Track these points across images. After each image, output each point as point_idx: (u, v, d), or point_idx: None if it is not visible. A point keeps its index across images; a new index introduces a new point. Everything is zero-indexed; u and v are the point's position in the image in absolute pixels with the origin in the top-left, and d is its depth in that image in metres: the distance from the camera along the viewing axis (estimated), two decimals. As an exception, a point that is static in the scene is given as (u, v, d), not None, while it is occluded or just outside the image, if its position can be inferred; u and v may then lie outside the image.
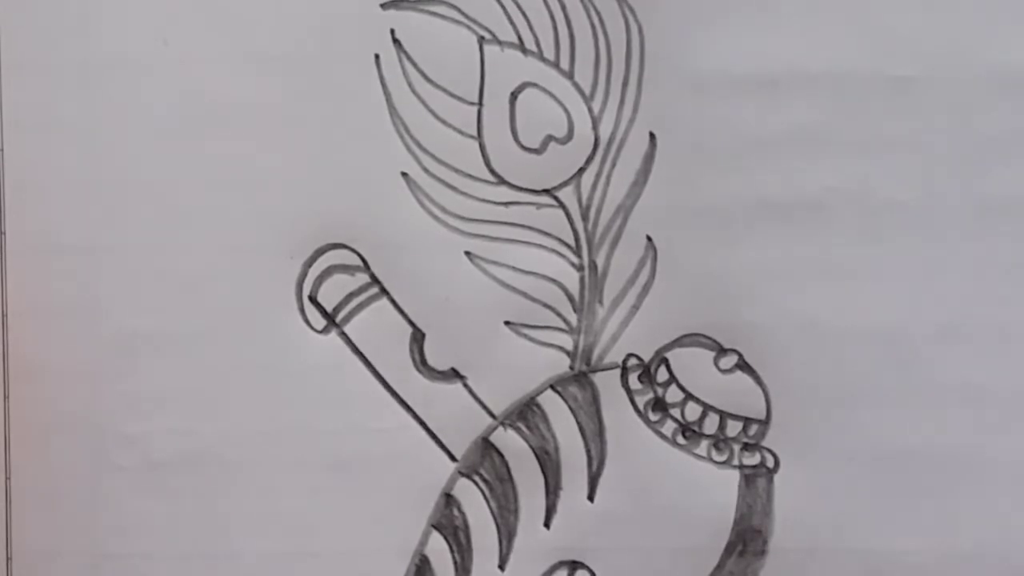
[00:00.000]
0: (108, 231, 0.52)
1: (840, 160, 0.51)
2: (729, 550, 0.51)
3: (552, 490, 0.52)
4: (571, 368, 0.52)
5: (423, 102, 0.51)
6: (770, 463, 0.51)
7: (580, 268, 0.52)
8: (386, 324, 0.52)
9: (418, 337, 0.52)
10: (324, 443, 0.52)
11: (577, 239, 0.52)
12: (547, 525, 0.52)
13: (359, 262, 0.52)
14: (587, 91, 0.51)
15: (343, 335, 0.52)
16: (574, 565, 0.52)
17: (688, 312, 0.51)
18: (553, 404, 0.52)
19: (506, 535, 0.52)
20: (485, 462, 0.52)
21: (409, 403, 0.52)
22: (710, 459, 0.51)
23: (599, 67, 0.51)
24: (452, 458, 0.52)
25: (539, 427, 0.52)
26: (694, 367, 0.51)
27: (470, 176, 0.51)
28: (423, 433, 0.52)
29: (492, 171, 0.51)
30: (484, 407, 0.52)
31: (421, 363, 0.52)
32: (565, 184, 0.51)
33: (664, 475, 0.51)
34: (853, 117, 0.51)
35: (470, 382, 0.52)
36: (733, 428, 0.51)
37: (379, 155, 0.51)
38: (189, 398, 0.52)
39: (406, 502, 0.52)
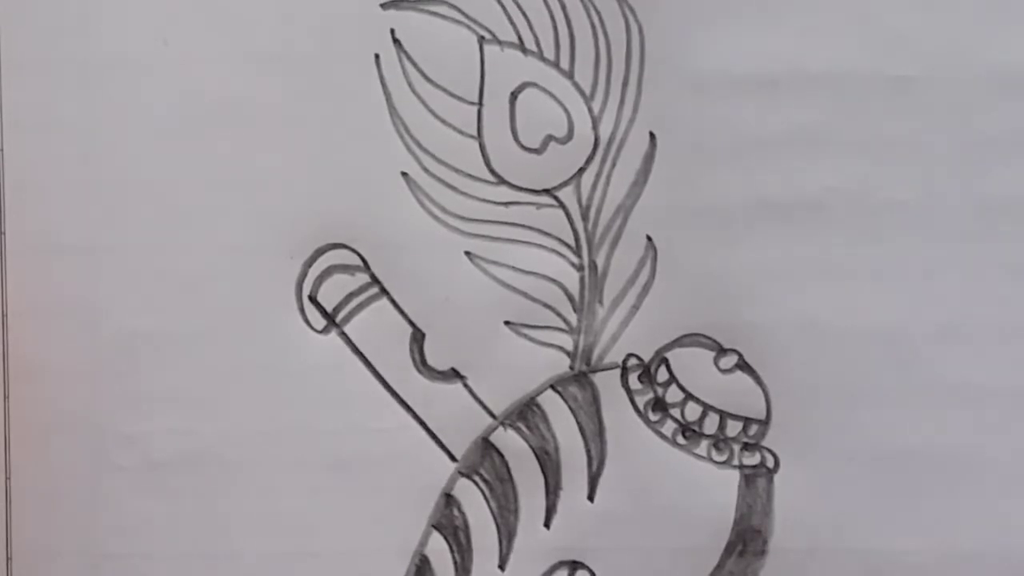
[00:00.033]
0: (108, 231, 0.52)
1: (840, 160, 0.51)
2: (729, 550, 0.51)
3: (552, 490, 0.52)
4: (571, 368, 0.52)
5: (423, 102, 0.51)
6: (770, 463, 0.51)
7: (580, 268, 0.52)
8: (386, 324, 0.52)
9: (418, 337, 0.52)
10: (324, 443, 0.52)
11: (577, 239, 0.52)
12: (547, 525, 0.52)
13: (359, 262, 0.52)
14: (587, 91, 0.51)
15: (343, 335, 0.52)
16: (574, 565, 0.52)
17: (688, 312, 0.51)
18: (553, 404, 0.52)
19: (506, 535, 0.52)
20: (485, 462, 0.52)
21: (409, 403, 0.52)
22: (710, 459, 0.51)
23: (599, 67, 0.51)
24: (452, 458, 0.52)
25: (539, 427, 0.52)
26: (694, 367, 0.51)
27: (470, 176, 0.51)
28: (423, 433, 0.52)
29: (492, 171, 0.51)
30: (484, 407, 0.52)
31: (421, 363, 0.52)
32: (565, 184, 0.51)
33: (664, 475, 0.51)
34: (853, 117, 0.51)
35: (470, 382, 0.52)
36: (733, 428, 0.51)
37: (379, 155, 0.51)
38: (189, 398, 0.52)
39: (406, 502, 0.52)
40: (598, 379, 0.52)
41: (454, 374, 0.52)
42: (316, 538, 0.52)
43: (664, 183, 0.51)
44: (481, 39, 0.51)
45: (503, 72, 0.51)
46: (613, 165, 0.51)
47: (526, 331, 0.52)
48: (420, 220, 0.51)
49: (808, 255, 0.51)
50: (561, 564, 0.52)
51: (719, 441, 0.51)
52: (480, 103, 0.51)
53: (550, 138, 0.51)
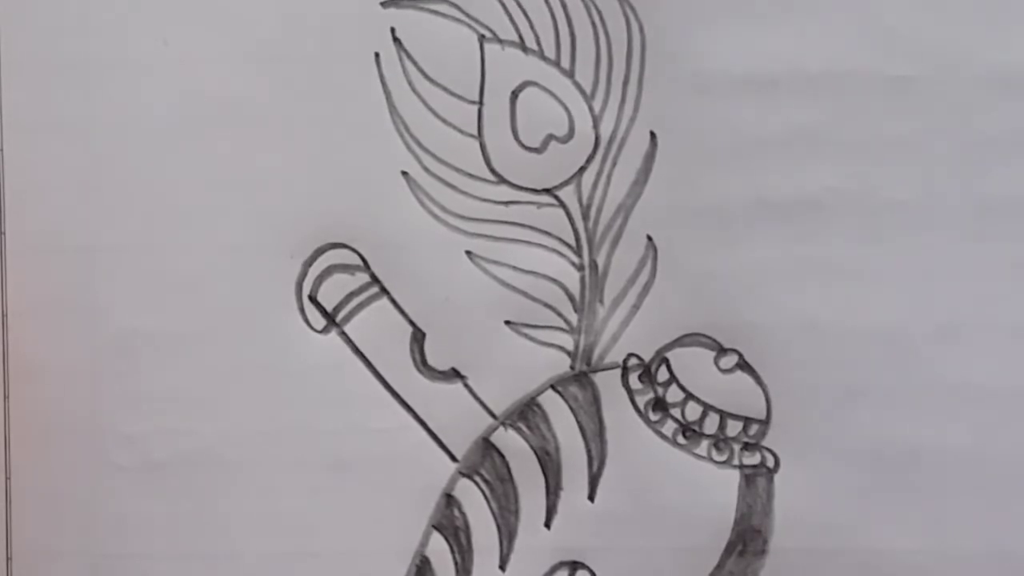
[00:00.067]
0: (108, 231, 0.52)
1: (840, 160, 0.51)
2: (729, 550, 0.51)
3: (552, 490, 0.52)
4: (572, 368, 0.52)
5: (423, 101, 0.51)
6: (770, 463, 0.51)
7: (580, 268, 0.52)
8: (386, 324, 0.52)
9: (418, 337, 0.52)
10: (324, 443, 0.52)
11: (578, 238, 0.52)
12: (548, 525, 0.52)
13: (359, 262, 0.52)
14: (588, 90, 0.51)
15: (343, 335, 0.52)
16: (574, 565, 0.52)
17: (688, 312, 0.51)
18: (553, 404, 0.52)
19: (507, 535, 0.52)
20: (486, 462, 0.52)
21: (409, 403, 0.52)
22: (710, 459, 0.51)
23: (600, 66, 0.51)
24: (453, 458, 0.52)
25: (540, 427, 0.52)
26: (694, 367, 0.51)
27: (470, 175, 0.51)
28: (423, 433, 0.52)
29: (492, 170, 0.51)
30: (484, 407, 0.52)
31: (421, 363, 0.52)
32: (566, 183, 0.51)
33: (664, 475, 0.51)
34: (853, 117, 0.51)
35: (470, 382, 0.52)
36: (733, 428, 0.51)
37: (379, 154, 0.51)
38: (189, 398, 0.52)
39: (407, 502, 0.52)
40: (598, 379, 0.52)
41: (454, 374, 0.52)
42: (316, 538, 0.52)
43: (665, 183, 0.51)
44: (482, 38, 0.51)
45: (504, 71, 0.51)
46: (614, 164, 0.51)
47: (526, 331, 0.52)
48: (420, 219, 0.51)
49: (808, 255, 0.51)
50: (561, 564, 0.52)
51: (719, 441, 0.51)
52: (481, 102, 0.51)
53: (551, 137, 0.51)
